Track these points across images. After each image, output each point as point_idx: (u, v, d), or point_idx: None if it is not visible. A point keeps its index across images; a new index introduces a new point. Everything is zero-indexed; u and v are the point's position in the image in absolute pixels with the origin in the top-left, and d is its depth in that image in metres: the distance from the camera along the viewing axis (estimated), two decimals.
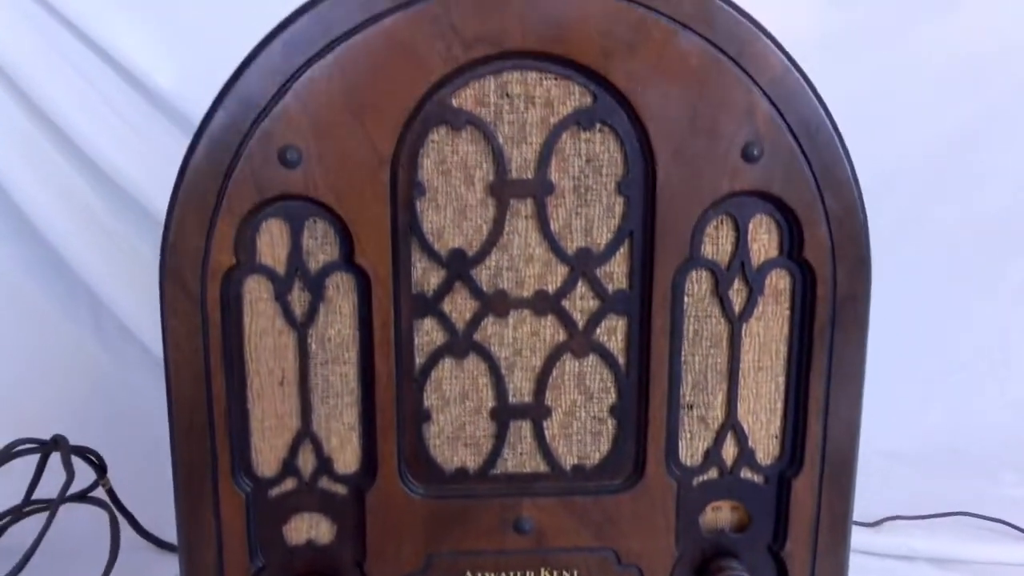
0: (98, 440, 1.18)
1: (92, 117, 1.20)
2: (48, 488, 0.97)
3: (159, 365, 1.27)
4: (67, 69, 1.19)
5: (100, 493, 0.97)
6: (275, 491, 0.60)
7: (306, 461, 0.60)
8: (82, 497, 0.95)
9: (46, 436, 1.18)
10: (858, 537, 0.97)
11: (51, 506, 0.92)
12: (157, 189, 1.22)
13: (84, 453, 0.97)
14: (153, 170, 1.23)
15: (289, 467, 0.60)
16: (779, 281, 0.59)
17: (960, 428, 1.29)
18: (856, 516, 1.01)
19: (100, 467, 0.98)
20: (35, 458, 0.98)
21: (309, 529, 0.61)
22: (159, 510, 1.01)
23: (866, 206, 1.43)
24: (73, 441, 1.06)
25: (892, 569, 0.93)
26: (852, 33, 1.35)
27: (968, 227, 1.39)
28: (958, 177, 1.38)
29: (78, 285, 1.26)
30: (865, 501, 1.09)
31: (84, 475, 0.98)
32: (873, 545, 0.96)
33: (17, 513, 0.96)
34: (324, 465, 0.60)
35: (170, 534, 1.00)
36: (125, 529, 0.95)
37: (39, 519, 0.95)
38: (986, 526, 1.03)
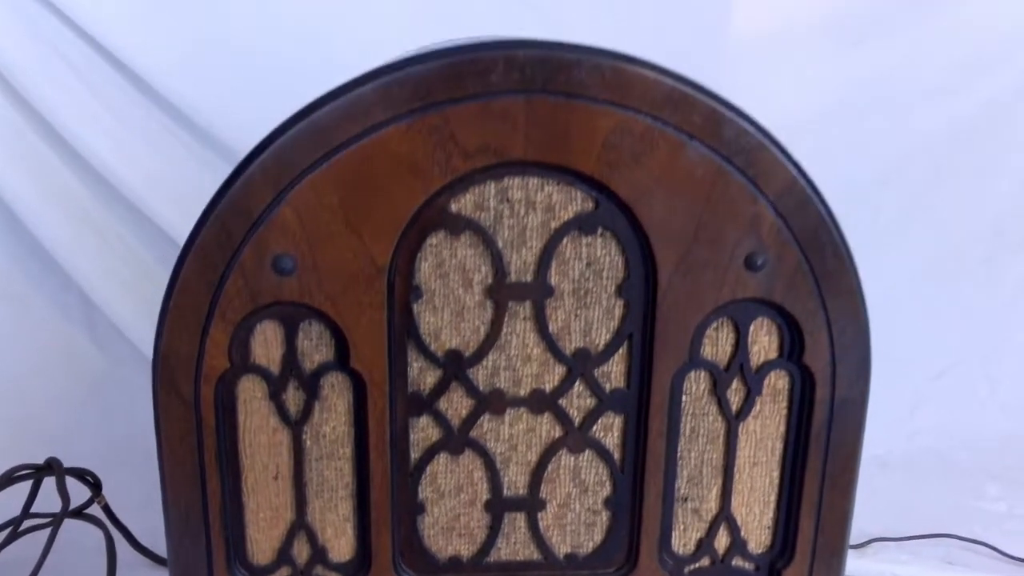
0: (94, 438, 1.19)
1: (85, 116, 1.17)
2: (41, 506, 0.98)
3: (147, 360, 1.27)
4: (60, 65, 1.16)
5: (95, 510, 0.98)
6: None
7: (301, 551, 0.60)
8: (78, 514, 0.96)
9: (42, 435, 1.19)
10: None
11: (52, 523, 0.93)
12: (151, 190, 1.20)
13: (79, 474, 0.98)
14: (149, 171, 1.21)
15: (284, 556, 0.60)
16: (778, 381, 0.59)
17: (949, 432, 1.30)
18: None
19: (95, 485, 0.99)
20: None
21: None
22: (154, 521, 1.03)
23: (865, 200, 1.41)
24: (69, 442, 1.07)
25: None
26: (863, 16, 1.33)
27: (966, 224, 1.38)
28: (959, 172, 1.37)
29: (71, 284, 1.25)
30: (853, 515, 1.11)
31: (80, 491, 0.99)
32: (859, 570, 0.98)
33: (14, 530, 0.97)
34: (319, 555, 0.60)
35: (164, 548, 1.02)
36: (121, 544, 0.97)
37: (31, 538, 0.96)
38: (970, 548, 1.04)
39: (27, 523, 0.97)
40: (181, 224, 1.23)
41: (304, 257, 0.53)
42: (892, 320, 1.37)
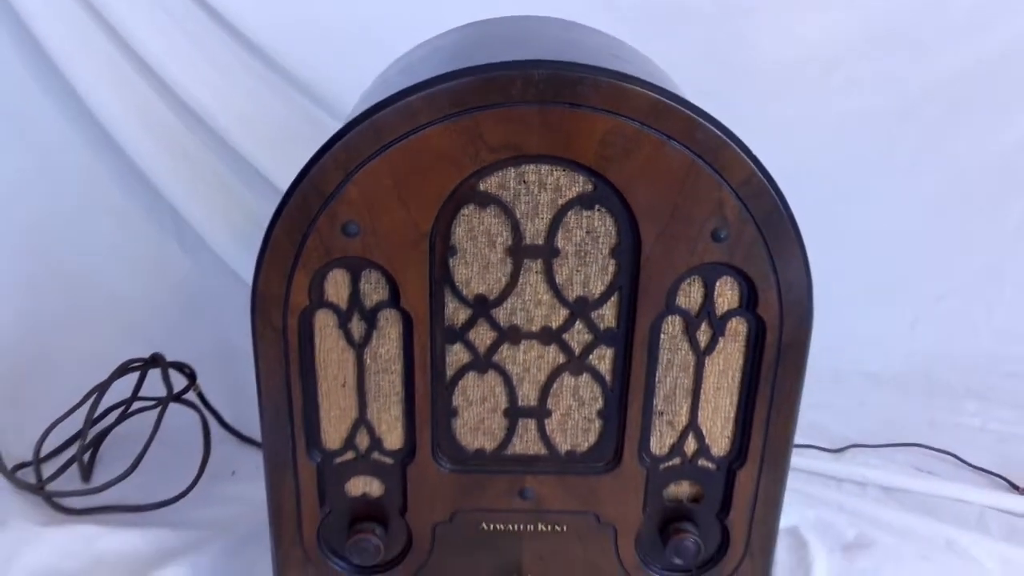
0: (184, 337, 1.37)
1: (185, 63, 1.33)
2: (145, 392, 1.18)
3: (232, 272, 1.46)
4: (163, 16, 1.31)
5: (191, 397, 1.18)
6: (338, 460, 0.79)
7: (362, 440, 0.78)
8: (177, 399, 1.16)
9: (142, 332, 1.39)
10: (821, 463, 1.16)
11: (160, 405, 1.13)
12: (242, 127, 1.35)
13: (178, 367, 1.18)
14: (228, 101, 1.36)
15: (349, 443, 0.78)
16: (738, 326, 0.74)
17: (942, 353, 1.43)
18: (821, 441, 1.20)
19: (191, 376, 1.19)
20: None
21: (364, 486, 0.80)
22: (239, 407, 1.22)
23: (885, 132, 1.50)
24: (165, 340, 1.26)
25: (845, 497, 1.11)
26: None
27: (977, 160, 1.47)
28: (974, 111, 1.45)
29: (160, 200, 1.42)
30: (834, 422, 1.27)
31: (179, 381, 1.18)
32: (833, 471, 1.15)
33: (125, 411, 1.18)
34: (376, 444, 0.78)
35: (249, 428, 1.21)
36: (212, 425, 1.16)
37: (138, 419, 1.16)
38: (938, 457, 1.20)
39: (135, 406, 1.18)
40: (262, 153, 1.39)
41: (365, 224, 0.69)
42: (899, 245, 1.51)
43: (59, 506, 1.07)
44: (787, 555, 1.00)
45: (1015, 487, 1.13)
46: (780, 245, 0.70)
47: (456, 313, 0.74)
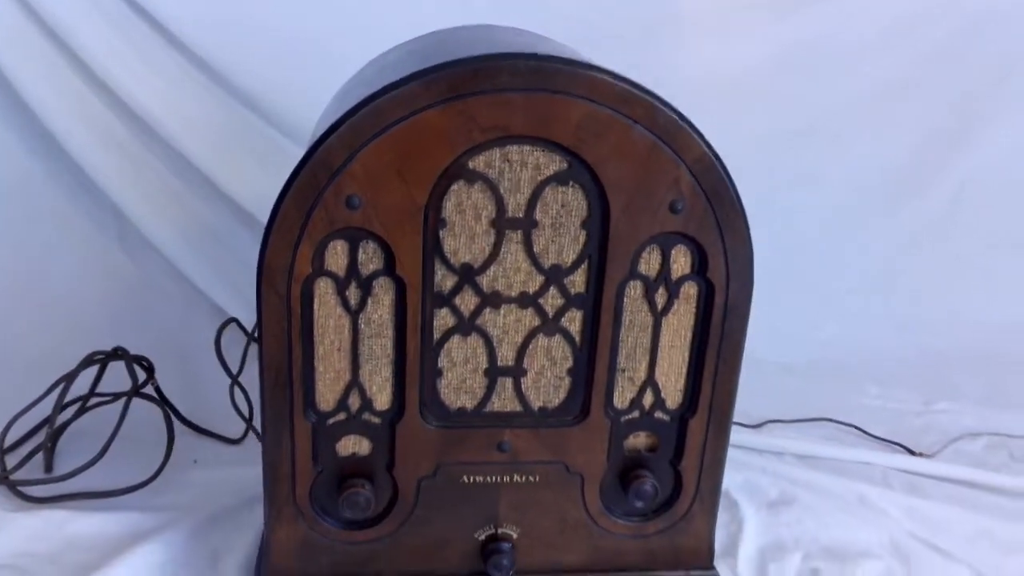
0: (128, 335, 1.40)
1: (127, 68, 1.37)
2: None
3: (179, 273, 1.49)
4: (100, 21, 1.35)
5: (149, 390, 1.21)
6: (331, 420, 0.86)
7: (354, 401, 0.85)
8: (139, 391, 1.20)
9: (85, 332, 1.41)
10: (742, 436, 1.28)
11: (126, 398, 1.16)
12: (184, 130, 1.40)
13: (138, 360, 1.22)
14: (168, 102, 1.41)
15: (341, 405, 0.85)
16: (690, 289, 0.85)
17: (847, 344, 1.58)
18: (742, 419, 1.32)
19: (150, 370, 1.22)
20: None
21: (354, 445, 0.87)
22: (190, 402, 1.26)
23: (790, 147, 1.67)
24: (110, 336, 1.29)
25: (766, 462, 1.23)
26: None
27: (878, 169, 1.65)
28: (875, 125, 1.63)
29: (103, 199, 1.45)
30: (753, 405, 1.40)
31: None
32: (753, 443, 1.27)
33: (83, 405, 1.20)
34: (367, 404, 0.86)
35: (202, 421, 1.25)
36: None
37: (94, 413, 1.19)
38: (844, 430, 1.34)
39: (93, 400, 1.21)
40: (204, 154, 1.44)
41: (367, 197, 0.77)
42: (806, 250, 1.66)
43: (23, 495, 1.09)
44: (720, 513, 1.10)
45: (911, 452, 1.28)
46: (727, 216, 0.81)
47: (444, 280, 0.82)
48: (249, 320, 1.35)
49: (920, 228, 1.70)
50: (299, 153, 1.54)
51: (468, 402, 0.87)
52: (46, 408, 1.16)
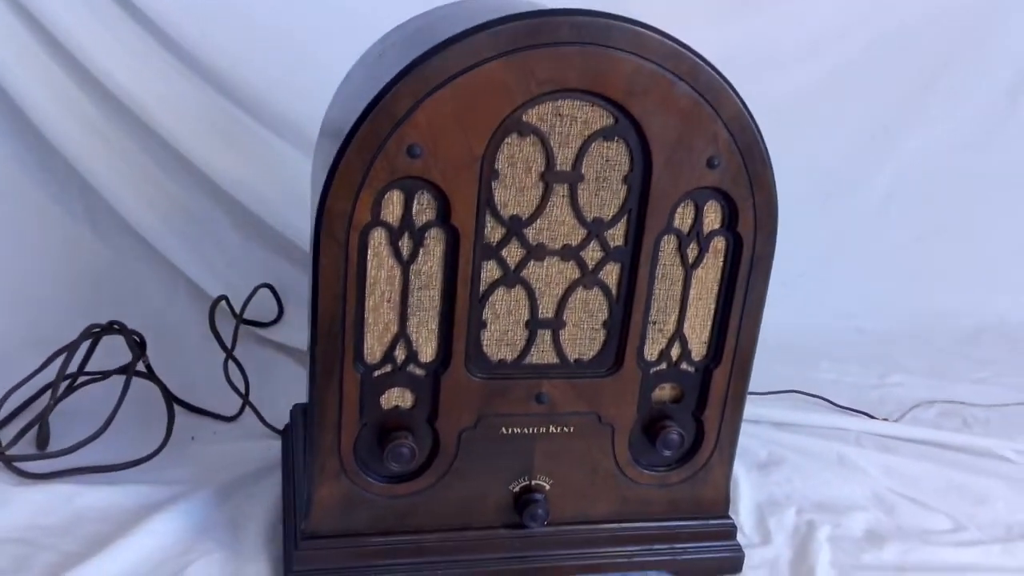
0: (110, 315, 1.37)
1: (99, 45, 1.34)
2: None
3: (155, 254, 1.46)
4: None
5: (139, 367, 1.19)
6: (378, 373, 0.87)
7: (400, 353, 0.87)
8: (136, 367, 1.17)
9: (60, 313, 1.37)
10: None
11: (127, 373, 1.14)
12: (146, 97, 1.38)
13: (131, 334, 1.19)
14: (145, 84, 1.38)
15: (388, 357, 0.87)
16: (719, 243, 0.90)
17: (795, 329, 1.67)
18: None
19: (142, 346, 1.20)
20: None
21: (397, 398, 0.89)
22: (175, 382, 1.23)
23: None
24: (90, 320, 1.26)
25: (748, 428, 1.29)
26: None
27: (814, 168, 1.75)
28: (809, 127, 1.73)
29: (73, 178, 1.40)
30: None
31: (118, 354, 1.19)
32: None
33: (71, 384, 1.17)
34: (412, 356, 0.87)
35: (194, 400, 1.23)
36: (158, 394, 1.17)
37: (82, 392, 1.16)
38: (812, 400, 1.42)
39: (83, 378, 1.18)
40: (179, 133, 1.42)
41: (428, 147, 0.79)
42: None
43: (20, 471, 1.05)
44: None
45: (874, 417, 1.37)
46: (757, 171, 0.87)
47: (493, 232, 0.85)
48: (234, 300, 1.34)
49: (854, 223, 1.81)
50: (270, 137, 1.54)
51: (508, 354, 0.90)
52: (32, 386, 1.12)
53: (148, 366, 1.19)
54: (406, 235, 0.83)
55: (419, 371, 0.88)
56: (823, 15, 1.70)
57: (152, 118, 1.40)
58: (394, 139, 0.79)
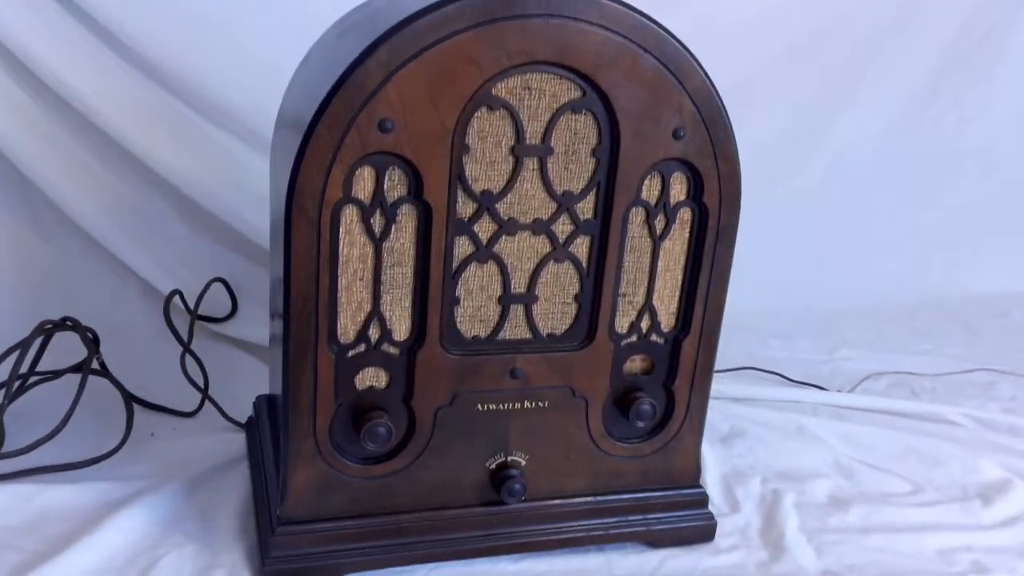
0: (57, 313, 1.32)
1: (29, 30, 1.30)
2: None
3: (103, 252, 1.42)
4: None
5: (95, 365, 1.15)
6: (351, 353, 0.86)
7: (374, 332, 0.86)
8: (78, 368, 1.14)
9: (2, 321, 1.32)
10: None
11: (83, 370, 1.10)
12: (88, 93, 1.34)
13: (84, 331, 1.16)
14: (85, 79, 1.35)
15: (362, 337, 0.86)
16: (685, 214, 0.91)
17: (746, 309, 1.69)
18: None
19: (95, 342, 1.17)
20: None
21: (372, 378, 0.88)
22: (134, 379, 1.20)
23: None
24: (41, 314, 1.22)
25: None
26: None
27: (754, 152, 1.78)
28: (749, 112, 1.76)
29: (12, 177, 1.36)
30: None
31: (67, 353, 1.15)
32: None
33: (23, 384, 1.13)
34: (386, 335, 0.86)
35: (149, 397, 1.20)
36: (113, 392, 1.14)
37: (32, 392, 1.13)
38: (767, 376, 1.45)
39: (37, 376, 1.14)
40: (123, 128, 1.39)
41: (399, 121, 0.79)
42: None
43: None
44: None
45: (827, 389, 1.40)
46: (721, 143, 0.89)
47: (464, 207, 0.85)
48: (188, 295, 1.31)
49: (794, 206, 1.86)
50: (213, 130, 1.50)
51: (482, 330, 0.90)
52: None
53: (102, 363, 1.16)
54: (378, 212, 0.82)
55: (393, 350, 0.87)
56: (758, 2, 1.74)
57: (93, 113, 1.36)
58: (365, 113, 0.78)
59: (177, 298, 1.27)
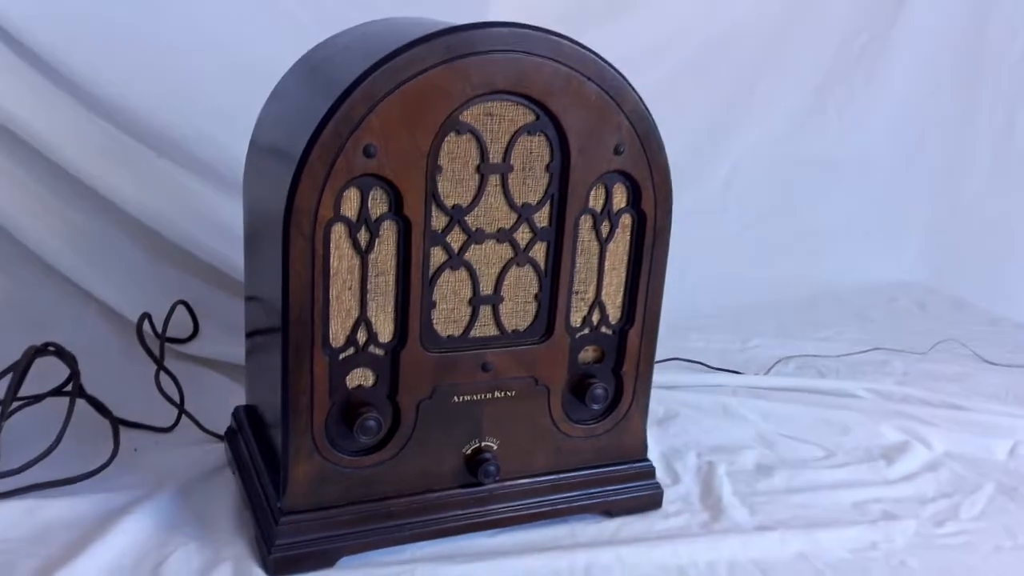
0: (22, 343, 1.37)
1: None
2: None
3: (61, 281, 1.48)
4: None
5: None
6: (342, 355, 0.96)
7: (362, 336, 0.96)
8: (62, 391, 1.20)
9: None
10: None
11: (71, 392, 1.16)
12: (36, 124, 1.40)
13: (67, 355, 1.21)
14: (35, 113, 1.40)
15: (350, 340, 0.96)
16: (626, 219, 1.04)
17: (665, 307, 1.85)
18: None
19: (74, 363, 1.23)
20: None
21: (360, 378, 0.98)
22: (108, 399, 1.26)
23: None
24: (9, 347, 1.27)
25: None
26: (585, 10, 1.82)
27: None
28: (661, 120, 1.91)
29: None
30: None
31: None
32: None
33: (5, 410, 1.18)
34: (372, 338, 0.97)
35: (122, 415, 1.26)
36: (89, 415, 1.20)
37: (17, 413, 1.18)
38: (690, 366, 1.59)
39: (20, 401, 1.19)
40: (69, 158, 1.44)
41: (381, 146, 0.90)
42: None
43: None
44: None
45: (744, 374, 1.56)
46: (655, 155, 1.02)
47: (437, 220, 0.96)
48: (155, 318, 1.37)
49: (700, 211, 2.02)
50: (163, 163, 1.57)
51: (455, 330, 1.01)
52: None
53: (80, 385, 1.22)
54: (363, 228, 0.93)
55: (379, 351, 0.98)
56: (655, 26, 1.90)
57: (42, 144, 1.41)
58: (352, 141, 0.89)
59: (147, 321, 1.33)
